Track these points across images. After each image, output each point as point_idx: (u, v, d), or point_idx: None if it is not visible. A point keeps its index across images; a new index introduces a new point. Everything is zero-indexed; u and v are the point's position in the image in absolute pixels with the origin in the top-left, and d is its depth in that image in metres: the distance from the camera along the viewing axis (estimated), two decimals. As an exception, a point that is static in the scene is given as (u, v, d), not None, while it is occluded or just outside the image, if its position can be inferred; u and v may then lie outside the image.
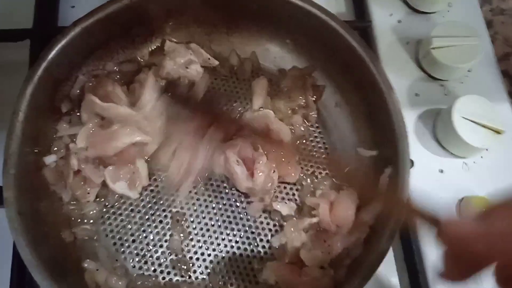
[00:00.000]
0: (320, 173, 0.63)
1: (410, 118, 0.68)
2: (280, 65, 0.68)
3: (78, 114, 0.60)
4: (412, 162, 0.59)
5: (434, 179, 0.65)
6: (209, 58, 0.66)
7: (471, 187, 0.64)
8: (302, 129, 0.64)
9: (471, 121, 0.63)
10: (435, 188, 0.64)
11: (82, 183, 0.56)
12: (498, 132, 0.63)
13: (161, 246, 0.58)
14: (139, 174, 0.58)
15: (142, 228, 0.58)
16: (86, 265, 0.53)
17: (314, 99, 0.65)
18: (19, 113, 0.51)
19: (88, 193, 0.56)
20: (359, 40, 0.58)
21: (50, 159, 0.56)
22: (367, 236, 0.54)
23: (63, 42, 0.55)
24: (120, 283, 0.52)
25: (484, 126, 0.63)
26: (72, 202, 0.56)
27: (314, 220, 0.57)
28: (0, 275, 0.56)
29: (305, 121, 0.65)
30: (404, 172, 0.52)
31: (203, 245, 0.58)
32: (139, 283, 0.54)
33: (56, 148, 0.58)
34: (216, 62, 0.66)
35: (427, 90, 0.71)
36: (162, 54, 0.65)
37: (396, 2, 0.77)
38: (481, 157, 0.67)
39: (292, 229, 0.57)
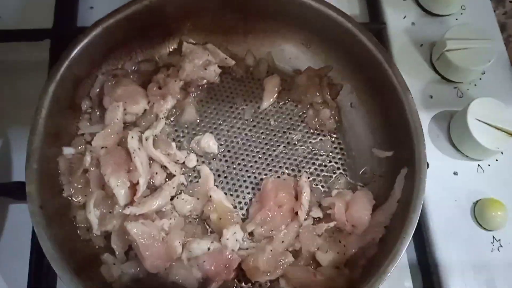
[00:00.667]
0: (335, 172, 0.63)
1: (424, 120, 0.68)
2: (295, 66, 0.69)
3: (97, 112, 0.61)
4: (427, 164, 0.59)
5: (449, 181, 0.65)
6: (225, 58, 0.67)
7: (486, 190, 0.64)
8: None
9: (486, 123, 0.63)
10: (449, 190, 0.64)
11: (82, 185, 0.56)
12: (512, 134, 0.63)
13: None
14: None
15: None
16: (104, 258, 0.54)
17: (330, 97, 0.65)
18: (42, 110, 0.53)
19: (80, 197, 0.56)
20: (374, 42, 0.59)
21: (68, 151, 0.57)
22: (382, 237, 0.55)
23: (84, 42, 0.57)
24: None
25: (499, 128, 0.63)
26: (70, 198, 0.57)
27: (331, 224, 0.57)
28: (19, 267, 0.58)
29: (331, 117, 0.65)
30: (421, 173, 0.53)
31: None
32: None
33: (76, 143, 0.59)
34: (233, 62, 0.67)
35: (441, 92, 0.71)
36: (179, 55, 0.66)
37: (410, 4, 0.78)
38: (496, 160, 0.67)
39: (307, 234, 0.57)
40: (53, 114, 0.54)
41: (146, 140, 0.58)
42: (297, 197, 0.59)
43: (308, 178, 0.61)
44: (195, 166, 0.62)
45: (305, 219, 0.58)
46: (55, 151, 0.56)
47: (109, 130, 0.58)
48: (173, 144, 0.61)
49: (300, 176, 0.61)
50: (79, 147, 0.58)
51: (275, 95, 0.66)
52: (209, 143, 0.62)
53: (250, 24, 0.67)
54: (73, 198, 0.56)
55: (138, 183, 0.55)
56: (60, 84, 0.55)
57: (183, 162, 0.61)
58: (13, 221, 0.62)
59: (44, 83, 0.55)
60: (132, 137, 0.57)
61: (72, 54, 0.56)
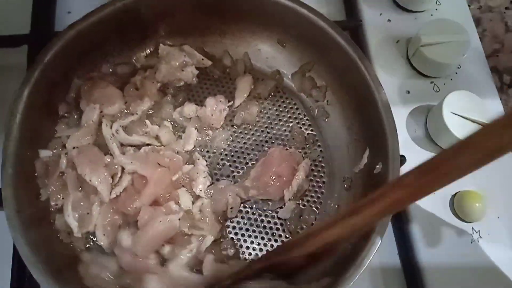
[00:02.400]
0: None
1: (401, 115, 0.69)
2: (272, 65, 0.69)
3: (75, 116, 0.61)
4: (404, 158, 0.59)
5: (426, 174, 0.66)
6: (202, 59, 0.67)
7: (464, 182, 0.61)
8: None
9: (462, 116, 0.64)
10: (427, 183, 0.65)
11: (59, 188, 0.56)
12: (487, 126, 0.64)
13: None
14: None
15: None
16: (83, 256, 0.54)
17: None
18: (16, 115, 0.53)
19: (58, 200, 0.56)
20: (348, 39, 0.60)
21: (45, 153, 0.58)
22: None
23: (58, 45, 0.57)
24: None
25: (474, 121, 0.64)
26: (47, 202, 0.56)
27: None
28: (1, 272, 0.57)
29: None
30: (394, 168, 0.53)
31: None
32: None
33: (52, 146, 0.59)
34: (210, 63, 0.68)
35: (418, 87, 0.72)
36: (156, 57, 0.67)
37: (385, 1, 0.79)
38: (473, 152, 0.68)
39: None
40: (28, 119, 0.54)
41: (117, 132, 0.59)
42: None
43: (310, 165, 0.62)
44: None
45: (289, 200, 0.59)
46: (31, 155, 0.56)
47: (84, 131, 0.58)
48: (147, 121, 0.62)
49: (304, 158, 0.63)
50: (55, 150, 0.58)
51: (246, 94, 0.67)
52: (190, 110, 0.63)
53: (226, 24, 0.67)
54: (51, 202, 0.55)
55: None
56: (35, 88, 0.55)
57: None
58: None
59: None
60: (106, 125, 0.59)
61: (46, 58, 0.56)
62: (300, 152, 0.64)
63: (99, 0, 0.61)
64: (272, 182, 0.59)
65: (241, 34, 0.68)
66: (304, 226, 0.60)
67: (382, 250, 0.51)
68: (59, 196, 0.56)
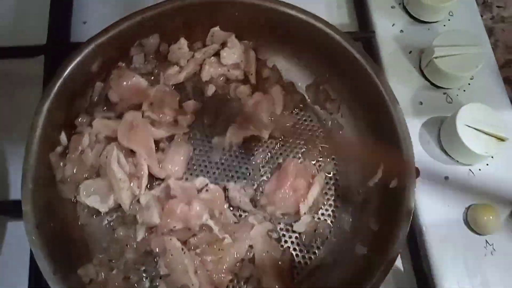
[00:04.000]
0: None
1: (414, 127, 0.69)
2: (287, 78, 0.69)
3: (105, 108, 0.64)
4: (418, 170, 0.59)
5: (440, 186, 0.65)
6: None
7: (477, 194, 0.65)
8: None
9: (475, 128, 0.64)
10: (441, 196, 0.65)
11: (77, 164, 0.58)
12: (502, 139, 0.64)
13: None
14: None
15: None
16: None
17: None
18: (36, 129, 0.54)
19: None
20: (362, 52, 0.60)
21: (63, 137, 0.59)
22: (374, 244, 0.55)
23: (77, 59, 0.57)
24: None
25: (488, 133, 0.64)
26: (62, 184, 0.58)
27: None
28: (18, 285, 0.58)
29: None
30: (410, 183, 0.53)
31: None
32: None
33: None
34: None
35: (431, 99, 0.72)
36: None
37: (398, 12, 0.79)
38: (487, 164, 0.68)
39: None
40: (48, 132, 0.55)
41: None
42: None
43: (325, 178, 0.62)
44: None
45: (304, 214, 0.60)
46: (50, 170, 0.57)
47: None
48: None
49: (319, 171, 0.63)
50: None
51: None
52: None
53: (241, 38, 0.67)
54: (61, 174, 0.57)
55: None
56: (55, 101, 0.55)
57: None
58: (12, 239, 0.63)
59: (38, 99, 0.56)
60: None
61: (66, 72, 0.56)
62: (314, 164, 0.64)
63: (114, 11, 0.63)
64: (287, 196, 0.59)
65: (256, 47, 0.69)
66: (319, 239, 0.60)
67: (396, 263, 0.51)
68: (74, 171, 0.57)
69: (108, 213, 0.59)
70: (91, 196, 0.57)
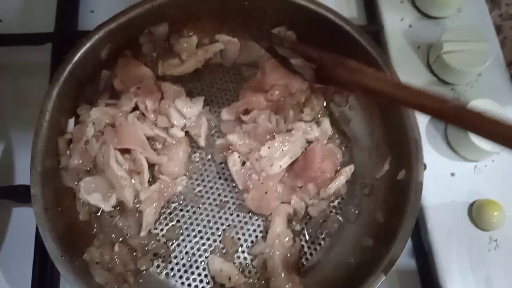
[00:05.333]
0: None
1: (421, 122, 0.67)
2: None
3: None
4: (424, 166, 0.60)
5: (446, 182, 0.66)
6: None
7: (483, 190, 0.65)
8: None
9: (482, 125, 0.64)
10: (446, 191, 0.65)
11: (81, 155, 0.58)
12: (509, 135, 0.64)
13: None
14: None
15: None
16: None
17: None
18: (46, 113, 0.54)
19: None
20: (372, 44, 0.60)
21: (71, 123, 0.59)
22: (380, 237, 0.56)
23: (87, 45, 0.57)
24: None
25: (495, 129, 0.64)
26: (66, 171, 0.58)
27: None
28: (22, 270, 0.59)
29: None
30: (418, 175, 0.53)
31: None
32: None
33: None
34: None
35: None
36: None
37: (407, 7, 0.79)
38: (492, 161, 0.68)
39: None
40: (57, 117, 0.55)
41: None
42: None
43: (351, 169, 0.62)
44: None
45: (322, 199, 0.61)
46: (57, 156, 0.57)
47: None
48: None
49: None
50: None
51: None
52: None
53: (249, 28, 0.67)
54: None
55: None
56: (63, 87, 0.55)
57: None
58: (17, 224, 0.63)
59: (46, 85, 0.56)
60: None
61: (75, 58, 0.56)
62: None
63: (121, 0, 0.62)
64: (316, 176, 0.60)
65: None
66: (326, 231, 0.60)
67: (400, 258, 0.51)
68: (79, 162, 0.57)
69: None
70: (93, 194, 0.56)
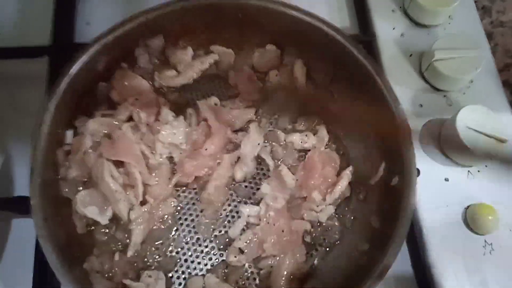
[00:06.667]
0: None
1: (415, 129, 0.70)
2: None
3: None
4: (418, 171, 0.60)
5: (440, 187, 0.67)
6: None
7: (476, 195, 0.66)
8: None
9: (475, 130, 0.65)
10: (440, 196, 0.66)
11: (79, 166, 0.58)
12: (501, 141, 0.65)
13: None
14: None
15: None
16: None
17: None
18: (43, 125, 0.54)
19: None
20: (364, 54, 0.61)
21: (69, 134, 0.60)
22: (375, 243, 0.56)
23: (83, 58, 0.58)
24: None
25: (487, 135, 0.65)
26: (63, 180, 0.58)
27: None
28: (22, 281, 0.59)
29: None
30: (411, 181, 0.54)
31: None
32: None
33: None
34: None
35: (431, 101, 0.73)
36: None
37: (399, 16, 0.80)
38: (486, 166, 0.69)
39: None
40: (56, 129, 0.56)
41: None
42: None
43: (351, 171, 0.63)
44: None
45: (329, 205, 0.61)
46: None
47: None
48: None
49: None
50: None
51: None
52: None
53: (244, 37, 0.68)
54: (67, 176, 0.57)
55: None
56: (62, 98, 0.56)
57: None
58: (16, 236, 0.63)
59: (41, 100, 0.57)
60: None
61: (72, 70, 0.57)
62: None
63: (117, 12, 0.63)
64: (318, 183, 0.61)
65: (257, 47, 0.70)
66: (326, 240, 0.61)
67: (395, 262, 0.51)
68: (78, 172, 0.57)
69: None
70: (89, 207, 0.56)
